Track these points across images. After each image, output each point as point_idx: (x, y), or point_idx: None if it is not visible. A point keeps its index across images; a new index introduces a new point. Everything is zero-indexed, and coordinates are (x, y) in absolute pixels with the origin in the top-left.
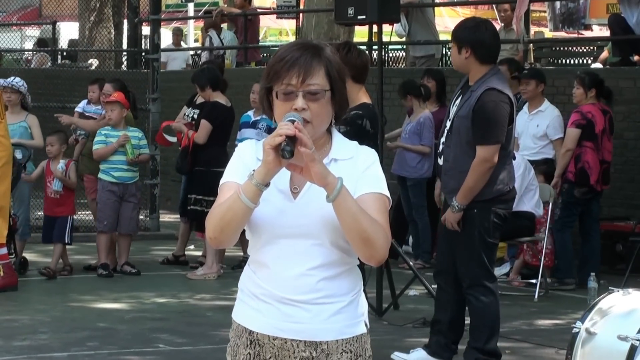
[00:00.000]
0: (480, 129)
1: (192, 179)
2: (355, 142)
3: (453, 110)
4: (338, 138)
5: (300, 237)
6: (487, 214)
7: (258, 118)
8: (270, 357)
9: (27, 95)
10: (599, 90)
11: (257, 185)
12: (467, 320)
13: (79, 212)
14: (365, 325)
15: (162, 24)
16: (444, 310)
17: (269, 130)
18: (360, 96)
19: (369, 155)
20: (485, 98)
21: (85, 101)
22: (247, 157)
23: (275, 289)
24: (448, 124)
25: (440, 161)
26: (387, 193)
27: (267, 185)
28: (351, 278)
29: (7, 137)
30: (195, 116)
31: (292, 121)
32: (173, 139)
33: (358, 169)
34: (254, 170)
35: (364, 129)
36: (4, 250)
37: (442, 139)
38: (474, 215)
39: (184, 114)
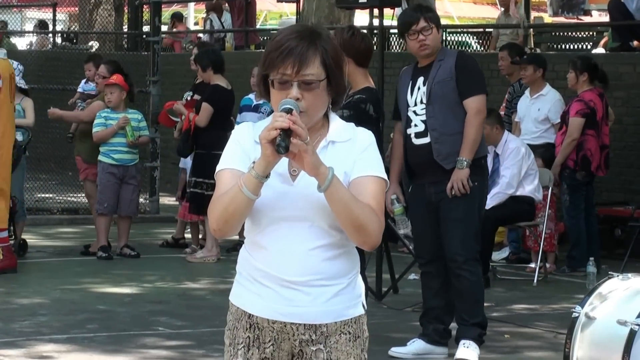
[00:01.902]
0: (467, 82)
1: (192, 162)
2: (352, 124)
3: (423, 88)
4: (335, 120)
5: (300, 219)
6: (484, 188)
7: (260, 102)
8: (269, 341)
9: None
10: (592, 74)
11: (258, 177)
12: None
13: (78, 195)
14: (363, 306)
15: (163, 7)
16: (438, 297)
17: (271, 114)
18: (363, 80)
19: (366, 137)
20: (463, 56)
21: (83, 80)
22: (244, 141)
23: (274, 271)
24: (421, 98)
25: (422, 140)
26: (384, 175)
27: (268, 176)
28: (349, 260)
29: (13, 118)
30: (189, 97)
31: (288, 110)
32: (177, 119)
33: (355, 150)
34: (254, 162)
35: (367, 113)
36: (4, 234)
37: (418, 120)
38: (474, 188)
39: (185, 98)
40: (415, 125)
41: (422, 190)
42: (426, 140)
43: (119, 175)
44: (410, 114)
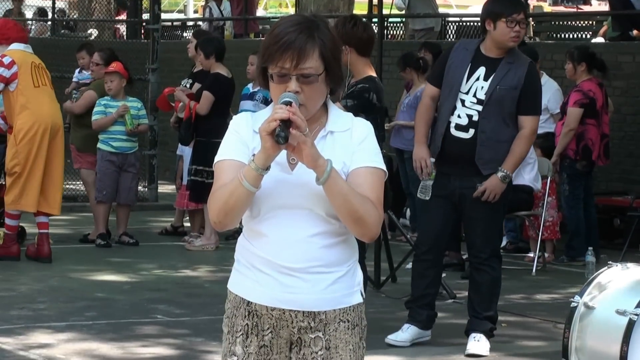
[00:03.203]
0: (532, 100)
1: (193, 150)
2: (351, 114)
3: (483, 83)
4: (334, 110)
5: (298, 207)
6: (510, 187)
7: (255, 90)
8: (268, 328)
9: None
10: (590, 64)
11: (258, 170)
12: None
13: (76, 182)
14: (361, 294)
15: None
16: (432, 286)
17: (266, 101)
18: (365, 69)
19: (364, 128)
20: (534, 70)
21: (77, 70)
22: (242, 131)
23: (273, 258)
24: (482, 95)
25: (461, 133)
26: (382, 166)
27: (268, 169)
28: (348, 248)
29: (41, 103)
30: (188, 85)
31: (287, 102)
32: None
33: (354, 141)
34: (254, 155)
35: (370, 102)
36: (15, 222)
37: (463, 112)
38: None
39: (183, 85)
40: (459, 117)
41: (446, 180)
42: (465, 135)
43: (118, 163)
44: (458, 101)
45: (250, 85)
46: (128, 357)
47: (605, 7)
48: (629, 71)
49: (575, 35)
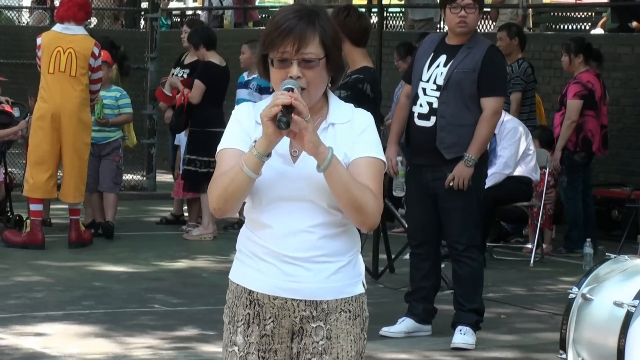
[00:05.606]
0: (491, 81)
1: (187, 139)
2: (351, 105)
3: (443, 69)
4: (335, 101)
5: (300, 199)
6: (481, 175)
7: (250, 78)
8: (270, 317)
9: None
10: (587, 55)
11: (259, 156)
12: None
13: None
14: (363, 285)
15: None
16: (427, 279)
17: (260, 89)
18: (361, 60)
19: (364, 118)
20: (493, 51)
21: None
22: (244, 121)
23: (275, 247)
24: (441, 81)
25: (424, 122)
26: (382, 157)
27: (269, 155)
28: (350, 238)
29: (52, 90)
30: (185, 75)
31: (289, 89)
32: (169, 94)
33: (354, 132)
34: (255, 142)
35: (364, 93)
36: (39, 207)
37: (424, 100)
38: (473, 178)
39: (173, 74)
40: (420, 105)
41: (419, 172)
42: (427, 123)
43: (94, 152)
44: (420, 90)
45: (245, 74)
46: (125, 346)
47: None
48: (628, 63)
49: (574, 27)
